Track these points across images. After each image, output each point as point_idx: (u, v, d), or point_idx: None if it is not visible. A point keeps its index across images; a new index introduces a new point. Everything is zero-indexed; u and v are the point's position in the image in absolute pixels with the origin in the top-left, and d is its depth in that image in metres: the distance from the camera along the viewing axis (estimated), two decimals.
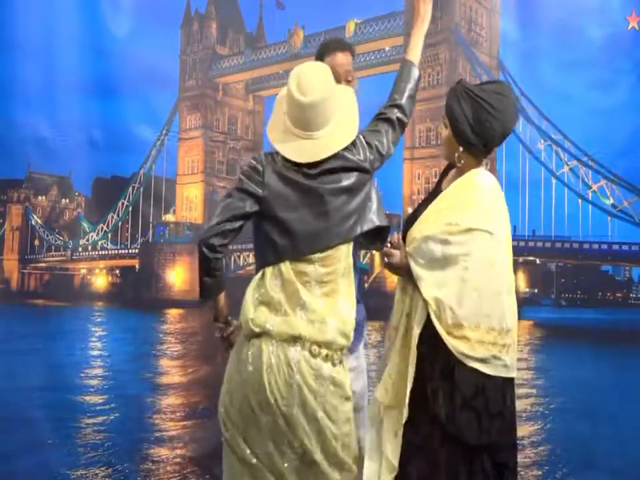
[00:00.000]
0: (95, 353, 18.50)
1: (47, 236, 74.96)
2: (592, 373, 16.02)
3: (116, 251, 66.44)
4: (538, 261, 53.55)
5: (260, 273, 1.94)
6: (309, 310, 1.89)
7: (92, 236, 69.94)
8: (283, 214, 1.90)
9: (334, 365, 1.91)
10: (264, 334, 1.87)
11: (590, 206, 47.94)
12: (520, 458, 7.65)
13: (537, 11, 54.37)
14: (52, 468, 5.86)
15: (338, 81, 2.32)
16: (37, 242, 75.77)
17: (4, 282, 74.03)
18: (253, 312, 1.90)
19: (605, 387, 13.28)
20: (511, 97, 2.10)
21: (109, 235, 68.38)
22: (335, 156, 1.94)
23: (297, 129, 1.93)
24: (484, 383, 1.90)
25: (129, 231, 66.11)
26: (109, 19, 64.39)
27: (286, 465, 1.87)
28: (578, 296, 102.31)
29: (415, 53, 2.20)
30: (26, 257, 75.66)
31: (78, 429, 7.84)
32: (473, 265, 1.92)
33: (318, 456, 1.86)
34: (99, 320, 35.73)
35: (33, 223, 76.54)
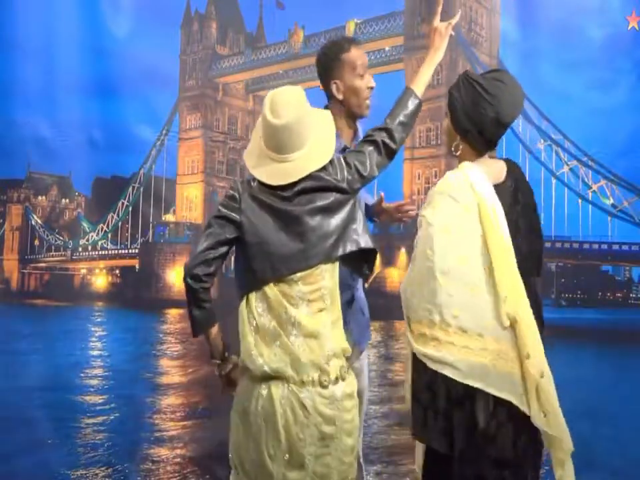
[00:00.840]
0: (95, 352, 18.50)
1: (47, 236, 74.95)
2: (592, 372, 16.01)
3: (116, 251, 66.45)
4: None
5: (244, 300, 1.91)
6: (301, 325, 1.87)
7: (92, 236, 69.93)
8: (260, 238, 1.89)
9: (344, 379, 1.90)
10: (271, 377, 1.85)
11: (590, 206, 47.98)
12: None
13: (537, 11, 54.42)
14: (52, 468, 5.86)
15: (360, 75, 2.36)
16: (37, 242, 75.76)
17: (4, 282, 74.03)
18: (255, 350, 1.86)
19: (605, 387, 13.27)
20: (510, 84, 2.05)
21: (109, 235, 68.37)
22: (310, 177, 1.93)
23: (272, 152, 1.93)
24: (431, 377, 1.91)
25: (129, 230, 66.11)
26: (109, 18, 64.42)
27: None
28: (578, 296, 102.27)
29: (419, 82, 2.18)
30: (26, 257, 75.66)
31: (78, 429, 7.84)
32: (415, 256, 2.00)
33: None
34: (99, 320, 35.72)
35: (33, 223, 76.53)
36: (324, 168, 1.96)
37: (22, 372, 12.75)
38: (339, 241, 1.93)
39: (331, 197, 1.94)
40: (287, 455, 1.82)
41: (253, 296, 1.90)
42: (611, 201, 47.48)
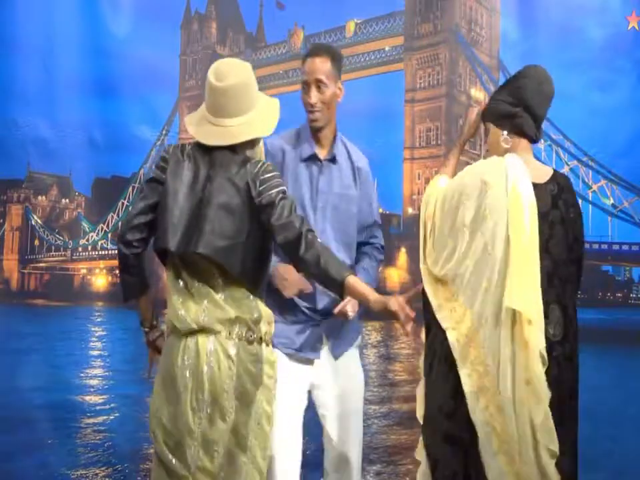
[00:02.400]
0: (95, 352, 18.50)
1: (47, 236, 74.89)
2: (592, 372, 15.93)
3: (116, 251, 66.41)
4: None
5: (170, 263, 1.95)
6: (228, 288, 1.90)
7: (92, 236, 69.83)
8: (169, 205, 1.91)
9: (268, 344, 1.93)
10: (199, 330, 1.85)
11: (590, 206, 47.94)
12: None
13: (536, 11, 54.29)
14: (52, 468, 5.86)
15: (304, 90, 2.34)
16: (37, 242, 75.67)
17: (4, 282, 73.97)
18: (181, 304, 1.85)
19: (605, 387, 13.25)
20: (537, 67, 2.11)
21: (109, 235, 68.26)
22: (233, 164, 1.92)
23: (210, 114, 1.96)
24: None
25: None
26: (108, 18, 64.31)
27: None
28: (578, 296, 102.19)
29: (361, 286, 1.93)
30: (26, 256, 75.58)
31: (78, 429, 7.84)
32: None
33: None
34: (99, 320, 35.69)
35: (33, 222, 76.47)
36: (255, 166, 1.94)
37: (22, 372, 12.73)
38: (229, 249, 1.89)
39: (239, 202, 1.92)
40: (209, 409, 1.83)
41: (177, 258, 1.90)
42: (611, 201, 47.45)
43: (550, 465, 1.97)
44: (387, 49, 58.41)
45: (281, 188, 1.96)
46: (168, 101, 70.48)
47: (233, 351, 1.85)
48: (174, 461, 1.87)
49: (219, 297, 1.87)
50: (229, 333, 1.86)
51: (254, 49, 66.51)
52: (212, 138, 1.92)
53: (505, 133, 2.06)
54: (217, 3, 66.95)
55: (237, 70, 1.96)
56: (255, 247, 1.95)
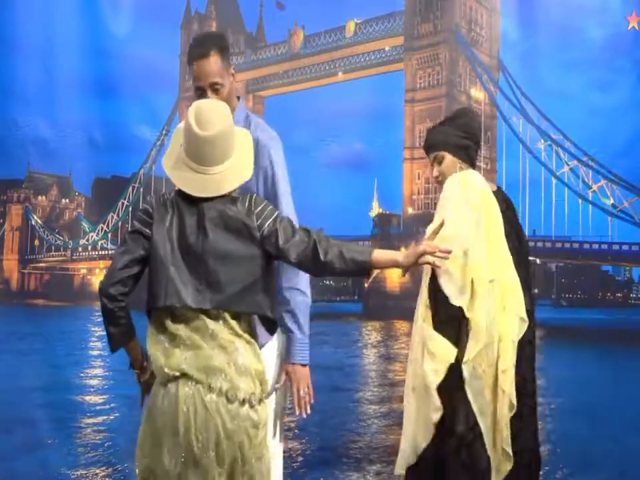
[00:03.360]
0: (95, 352, 18.46)
1: (47, 236, 74.97)
2: (592, 373, 16.00)
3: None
4: (538, 261, 53.52)
5: (155, 315, 1.89)
6: (217, 337, 1.84)
7: (92, 236, 69.94)
8: (162, 260, 1.86)
9: (252, 406, 1.86)
10: (181, 376, 1.82)
11: (590, 206, 47.95)
12: None
13: (536, 11, 54.32)
14: (52, 468, 5.85)
15: (200, 96, 2.18)
16: (37, 242, 75.77)
17: (4, 282, 74.06)
18: (163, 357, 1.84)
19: (605, 387, 13.27)
20: (468, 107, 2.79)
21: (109, 235, 68.35)
22: (223, 208, 1.89)
23: (191, 161, 1.89)
24: None
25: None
26: (108, 18, 64.36)
27: None
28: (578, 296, 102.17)
29: (381, 253, 1.94)
30: (26, 256, 75.67)
31: (78, 429, 7.84)
32: None
33: None
34: (99, 320, 35.30)
35: (33, 222, 76.55)
36: (244, 203, 1.91)
37: (22, 372, 12.74)
38: (237, 297, 1.87)
39: (239, 246, 1.88)
40: (184, 454, 1.81)
41: (163, 311, 1.87)
42: (611, 201, 47.47)
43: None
44: (386, 48, 58.40)
45: (276, 214, 1.94)
46: (168, 100, 70.47)
47: (210, 405, 1.81)
48: None
49: (208, 346, 1.85)
50: (209, 386, 1.81)
51: (254, 49, 66.53)
52: (200, 189, 1.87)
53: (461, 161, 2.49)
54: (217, 3, 66.97)
55: (220, 115, 1.90)
56: (266, 279, 1.94)
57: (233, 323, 1.88)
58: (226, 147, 1.90)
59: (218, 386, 1.82)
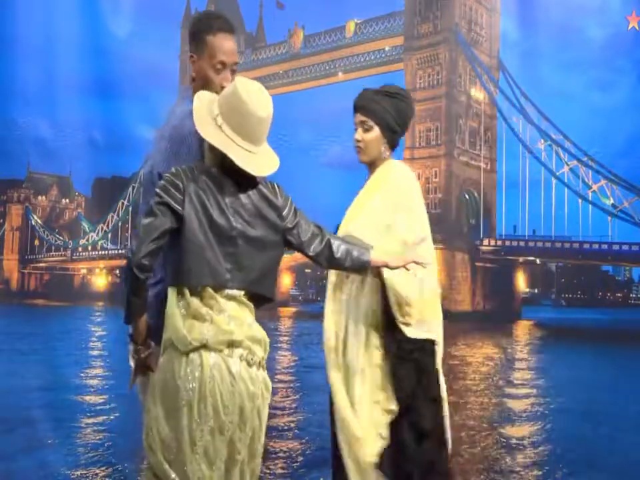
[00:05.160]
0: (95, 352, 18.48)
1: (47, 236, 75.01)
2: (592, 373, 16.02)
3: (116, 251, 66.49)
4: (538, 261, 53.56)
5: (175, 289, 1.92)
6: (230, 312, 1.91)
7: (92, 236, 69.99)
8: (197, 242, 1.89)
9: (264, 369, 1.96)
10: (202, 347, 1.87)
11: (590, 206, 47.98)
12: (520, 458, 7.58)
13: (537, 11, 54.46)
14: (52, 468, 5.85)
15: (216, 68, 2.11)
16: (37, 242, 75.83)
17: (4, 282, 74.11)
18: (183, 326, 1.88)
19: (605, 387, 13.28)
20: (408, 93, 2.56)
21: (109, 235, 68.40)
22: (259, 196, 1.95)
23: (243, 140, 1.90)
24: None
25: (129, 230, 66.17)
26: (108, 18, 64.49)
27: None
28: (578, 296, 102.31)
29: (381, 255, 2.17)
30: (26, 256, 75.72)
31: (78, 429, 7.83)
32: None
33: (242, 456, 1.92)
34: (99, 320, 35.72)
35: (33, 222, 76.60)
36: (271, 191, 1.98)
37: (22, 372, 12.74)
38: (259, 280, 1.97)
39: (268, 232, 1.96)
40: (212, 421, 1.84)
41: (186, 288, 1.91)
42: (611, 201, 47.50)
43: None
44: (386, 48, 58.41)
45: (294, 206, 2.03)
46: (168, 100, 70.61)
47: (234, 369, 1.88)
48: (173, 475, 1.88)
49: (220, 318, 1.91)
50: (232, 353, 1.90)
51: (254, 49, 66.54)
52: (256, 167, 1.91)
53: (385, 142, 2.43)
54: (217, 3, 66.93)
55: (267, 96, 1.98)
56: (279, 265, 2.10)
57: (246, 301, 1.95)
58: (267, 130, 1.95)
59: (239, 353, 1.89)
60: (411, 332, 2.24)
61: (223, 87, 2.04)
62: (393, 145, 2.45)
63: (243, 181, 1.92)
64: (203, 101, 1.97)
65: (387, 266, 2.17)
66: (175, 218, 1.88)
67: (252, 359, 1.90)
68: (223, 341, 1.88)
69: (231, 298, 1.92)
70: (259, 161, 1.91)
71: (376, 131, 2.41)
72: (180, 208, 1.87)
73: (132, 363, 2.08)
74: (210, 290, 1.89)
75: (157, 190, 1.88)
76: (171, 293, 1.93)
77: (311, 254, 2.06)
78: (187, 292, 1.91)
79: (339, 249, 2.08)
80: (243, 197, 1.92)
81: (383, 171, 2.42)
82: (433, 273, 2.36)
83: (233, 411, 1.86)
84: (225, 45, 2.15)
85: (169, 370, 1.88)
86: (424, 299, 2.28)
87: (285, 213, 1.97)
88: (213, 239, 1.89)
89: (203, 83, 2.11)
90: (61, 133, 66.10)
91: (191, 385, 1.85)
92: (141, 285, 1.93)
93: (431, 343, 2.29)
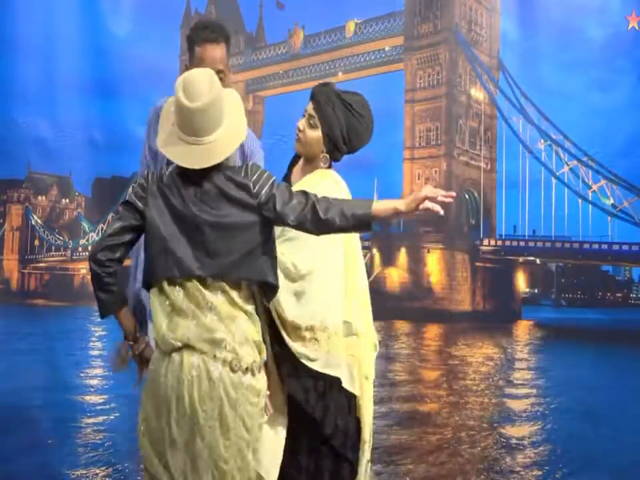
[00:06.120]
0: (95, 353, 18.46)
1: (47, 236, 74.99)
2: (592, 373, 16.00)
3: None
4: (538, 261, 53.52)
5: (157, 287, 1.91)
6: (217, 309, 1.87)
7: (92, 236, 69.90)
8: (160, 235, 1.88)
9: (253, 374, 1.90)
10: (184, 346, 1.85)
11: (590, 206, 47.95)
12: (520, 458, 7.58)
13: (537, 11, 54.31)
14: (52, 468, 5.85)
15: None
16: (37, 242, 75.78)
17: (4, 282, 74.05)
18: (166, 325, 1.87)
19: (605, 387, 13.27)
20: (370, 113, 2.23)
21: None
22: (219, 178, 1.90)
23: (185, 134, 1.90)
24: None
25: None
26: (108, 18, 64.40)
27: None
28: (578, 296, 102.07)
29: (381, 205, 1.93)
30: (26, 256, 75.68)
31: (78, 429, 7.83)
32: None
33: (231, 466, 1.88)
34: (99, 320, 35.42)
35: (33, 222, 76.57)
36: (240, 172, 1.91)
37: (22, 372, 12.74)
38: (238, 264, 1.88)
39: (237, 214, 1.89)
40: (189, 423, 1.84)
41: (165, 283, 1.90)
42: (611, 201, 47.48)
43: None
44: (386, 48, 58.39)
45: (272, 180, 1.94)
46: None
47: (215, 374, 1.83)
48: (160, 468, 1.88)
49: (207, 318, 1.86)
50: (214, 356, 1.84)
51: (254, 49, 66.53)
52: (194, 161, 1.86)
53: (325, 152, 2.19)
54: (217, 3, 66.97)
55: (208, 83, 1.89)
56: (266, 245, 1.95)
57: (233, 293, 1.90)
58: (217, 115, 1.90)
59: (222, 356, 1.85)
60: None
61: None
62: (333, 157, 2.22)
63: (207, 170, 1.90)
64: (170, 105, 1.99)
65: (398, 212, 1.89)
66: (138, 215, 1.91)
67: (237, 364, 1.86)
68: (206, 339, 1.85)
69: (217, 291, 1.88)
70: (203, 152, 1.87)
71: (320, 134, 2.19)
72: (141, 205, 1.91)
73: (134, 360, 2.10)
74: (195, 283, 1.87)
75: (129, 190, 1.95)
76: (152, 291, 1.94)
77: (292, 223, 1.92)
78: (165, 287, 1.90)
79: (327, 209, 1.90)
80: (206, 184, 1.90)
81: (310, 180, 2.21)
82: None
83: (212, 415, 1.83)
84: (207, 54, 2.27)
85: (157, 367, 1.90)
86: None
87: (256, 189, 1.91)
88: (178, 230, 1.87)
89: None
90: (61, 133, 66.00)
91: (170, 384, 1.84)
92: (101, 279, 1.95)
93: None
